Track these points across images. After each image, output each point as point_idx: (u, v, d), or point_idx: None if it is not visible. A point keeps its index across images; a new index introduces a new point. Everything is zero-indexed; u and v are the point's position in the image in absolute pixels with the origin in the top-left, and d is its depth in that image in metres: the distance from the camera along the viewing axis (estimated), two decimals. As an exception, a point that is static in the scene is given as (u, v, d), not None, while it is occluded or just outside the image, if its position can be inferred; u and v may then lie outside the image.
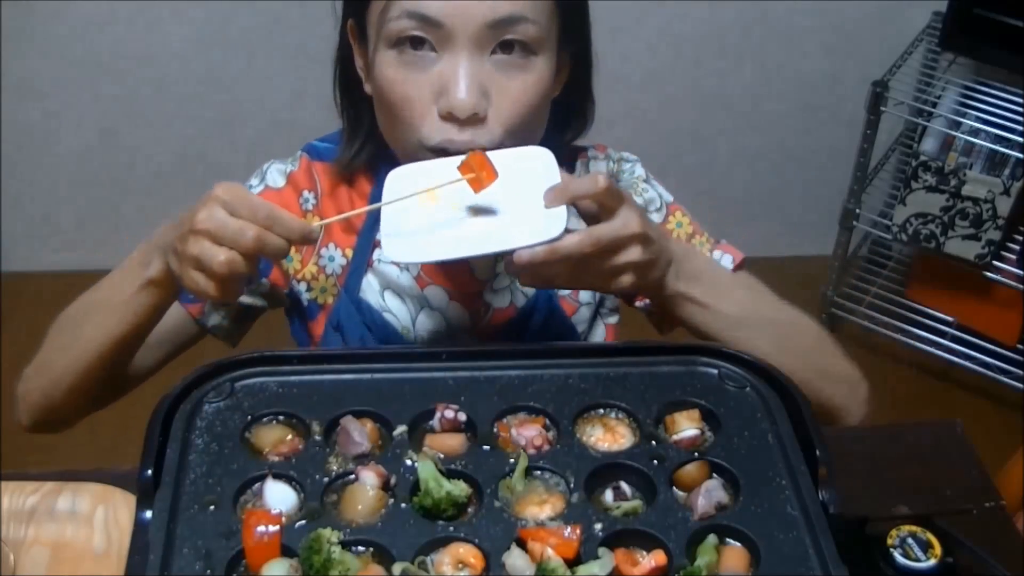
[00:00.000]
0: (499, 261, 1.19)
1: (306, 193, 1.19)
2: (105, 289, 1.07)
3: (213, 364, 0.96)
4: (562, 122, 1.19)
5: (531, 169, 1.01)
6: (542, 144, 1.11)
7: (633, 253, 0.97)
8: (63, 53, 2.39)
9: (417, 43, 1.03)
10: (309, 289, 1.20)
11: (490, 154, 1.00)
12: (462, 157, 0.98)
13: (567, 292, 1.22)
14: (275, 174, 1.20)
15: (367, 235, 1.18)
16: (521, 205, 0.98)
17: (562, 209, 0.95)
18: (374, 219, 1.17)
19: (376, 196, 1.18)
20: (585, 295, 1.23)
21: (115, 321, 1.04)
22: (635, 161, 1.25)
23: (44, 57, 2.40)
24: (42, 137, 2.51)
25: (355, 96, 1.15)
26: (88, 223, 2.65)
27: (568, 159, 1.25)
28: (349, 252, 1.19)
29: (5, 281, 2.61)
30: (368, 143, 1.17)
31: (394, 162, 1.13)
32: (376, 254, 1.19)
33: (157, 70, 2.43)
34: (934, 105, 2.29)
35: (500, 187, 0.99)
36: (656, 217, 1.23)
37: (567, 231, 0.94)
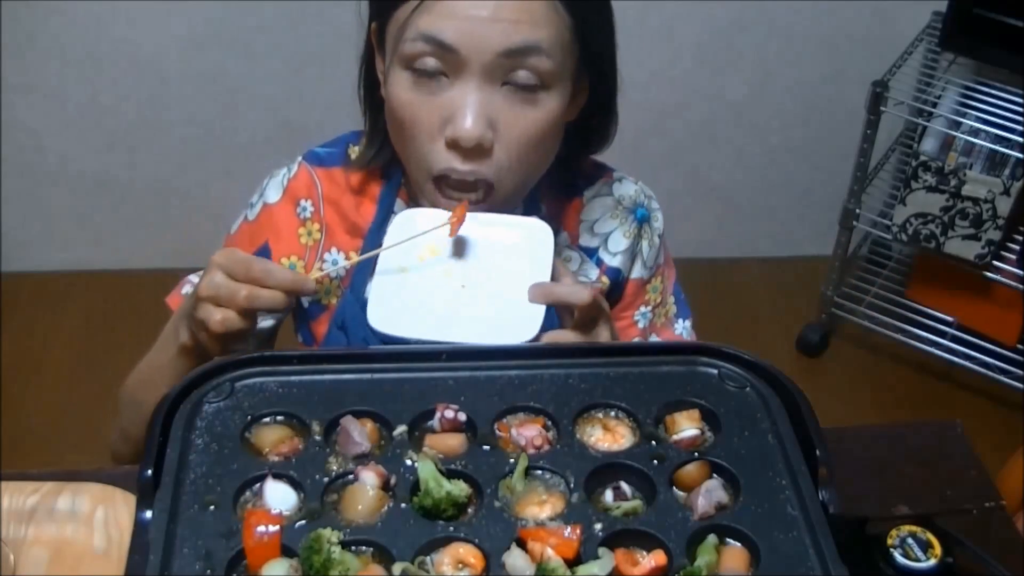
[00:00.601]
0: None
1: (303, 202, 1.19)
2: (151, 360, 1.16)
3: (213, 364, 0.96)
4: (582, 139, 1.19)
5: (526, 245, 1.06)
6: (560, 161, 1.14)
7: None
8: (63, 53, 2.39)
9: (430, 68, 1.03)
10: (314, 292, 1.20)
11: (489, 216, 1.07)
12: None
13: None
14: (272, 189, 1.20)
15: (373, 237, 1.18)
16: (506, 288, 1.04)
17: (541, 309, 1.02)
18: (381, 221, 1.18)
19: (385, 200, 1.18)
20: None
21: (164, 388, 1.09)
22: (659, 209, 1.27)
23: (44, 57, 2.40)
24: (42, 137, 2.51)
25: (376, 97, 1.15)
26: (88, 223, 2.65)
27: (589, 177, 1.24)
28: (353, 255, 1.19)
29: (5, 281, 2.61)
30: (387, 144, 1.16)
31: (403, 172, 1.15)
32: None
33: (157, 70, 2.43)
34: (934, 105, 2.29)
35: (492, 259, 1.06)
36: (644, 274, 1.25)
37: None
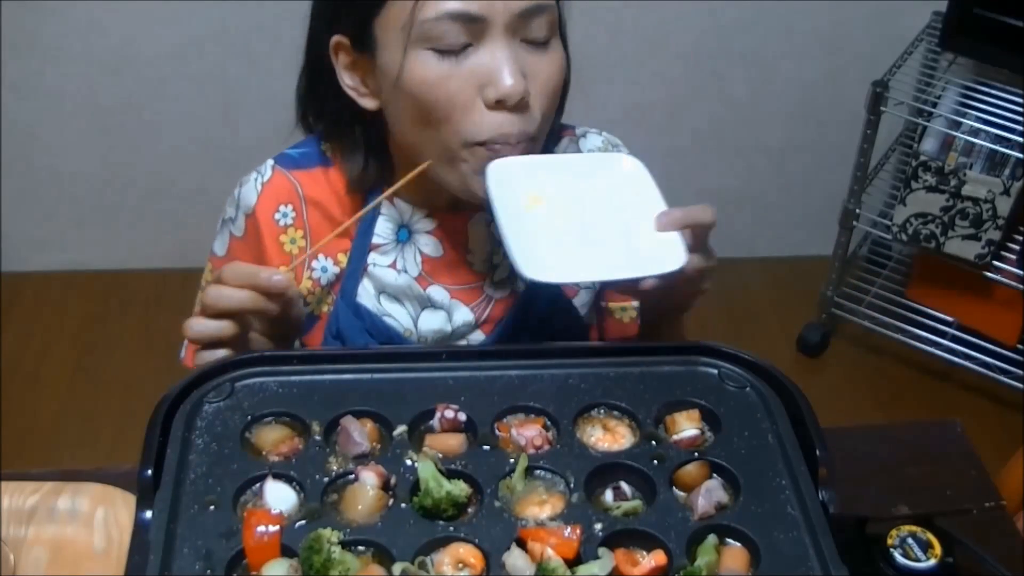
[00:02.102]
0: (496, 252, 1.19)
1: (282, 207, 1.16)
2: None
3: (213, 364, 0.96)
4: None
5: (621, 179, 1.06)
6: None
7: (707, 283, 1.07)
8: (63, 53, 2.39)
9: (456, 41, 1.02)
10: (305, 304, 1.17)
11: (581, 157, 1.10)
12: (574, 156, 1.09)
13: None
14: (247, 197, 1.17)
15: (362, 239, 1.16)
16: (633, 224, 1.03)
17: (678, 237, 1.01)
18: (368, 224, 1.16)
19: (372, 197, 1.16)
20: None
21: None
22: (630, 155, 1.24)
23: (44, 57, 2.40)
24: (42, 137, 2.51)
25: (352, 114, 1.13)
26: (88, 223, 2.65)
27: (553, 137, 1.20)
28: (342, 258, 1.17)
29: (5, 281, 2.61)
30: (371, 159, 1.14)
31: (393, 175, 1.13)
32: (370, 259, 1.17)
33: (157, 70, 2.43)
34: (934, 105, 2.29)
35: (596, 198, 1.05)
36: None
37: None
